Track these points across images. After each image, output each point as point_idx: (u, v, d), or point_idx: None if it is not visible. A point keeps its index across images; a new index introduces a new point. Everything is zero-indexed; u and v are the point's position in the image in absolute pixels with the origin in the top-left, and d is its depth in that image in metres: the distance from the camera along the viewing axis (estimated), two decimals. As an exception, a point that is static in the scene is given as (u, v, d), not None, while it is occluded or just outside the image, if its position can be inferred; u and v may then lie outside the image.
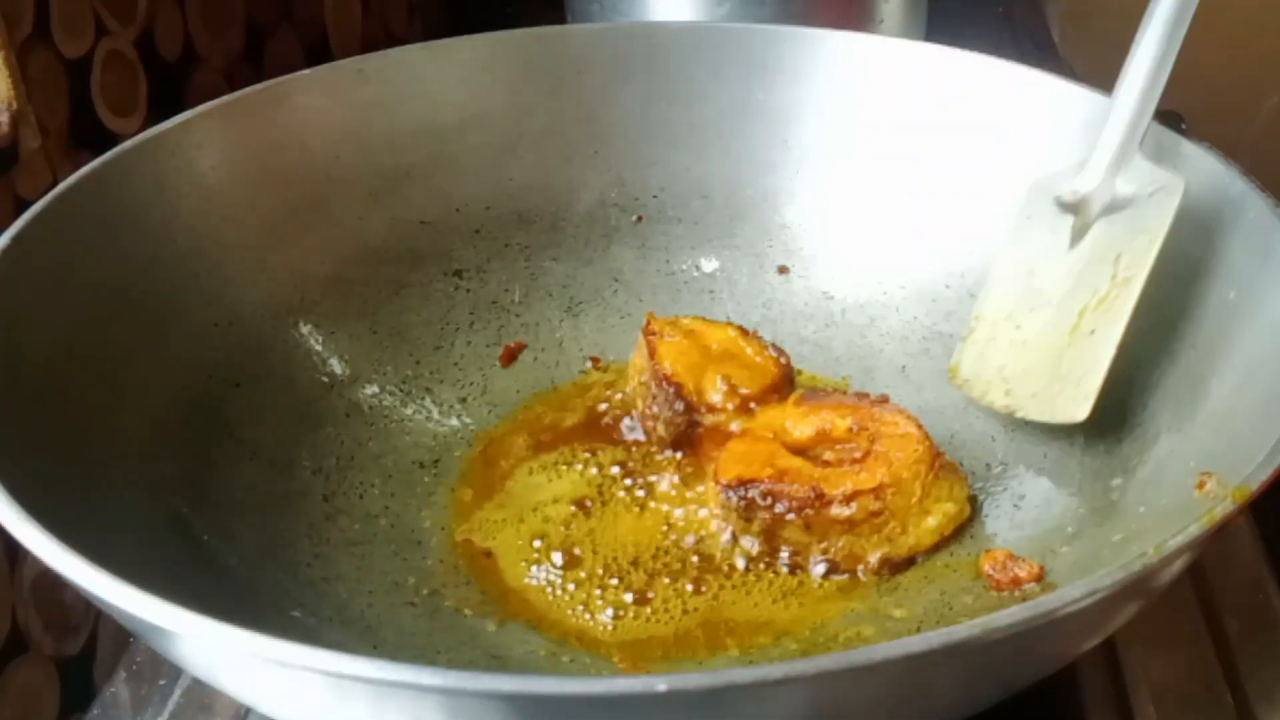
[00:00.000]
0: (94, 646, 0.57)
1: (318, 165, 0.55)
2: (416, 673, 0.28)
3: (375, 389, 0.54)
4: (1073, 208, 0.49)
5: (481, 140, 0.58)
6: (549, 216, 0.59)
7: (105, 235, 0.47)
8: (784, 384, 0.51)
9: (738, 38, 0.58)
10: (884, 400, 0.49)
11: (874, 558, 0.45)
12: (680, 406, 0.50)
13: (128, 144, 0.49)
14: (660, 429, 0.51)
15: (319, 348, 0.54)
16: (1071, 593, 0.30)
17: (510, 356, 0.57)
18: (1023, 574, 0.43)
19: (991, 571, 0.44)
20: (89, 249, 0.46)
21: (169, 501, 0.44)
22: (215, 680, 0.36)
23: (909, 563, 0.46)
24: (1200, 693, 0.44)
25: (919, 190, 0.56)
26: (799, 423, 0.47)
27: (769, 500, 0.45)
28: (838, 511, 0.44)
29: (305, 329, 0.54)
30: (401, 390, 0.55)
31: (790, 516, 0.45)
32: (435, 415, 0.54)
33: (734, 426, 0.49)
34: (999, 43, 0.56)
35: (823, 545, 0.45)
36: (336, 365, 0.54)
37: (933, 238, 0.56)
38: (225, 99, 0.53)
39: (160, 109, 0.61)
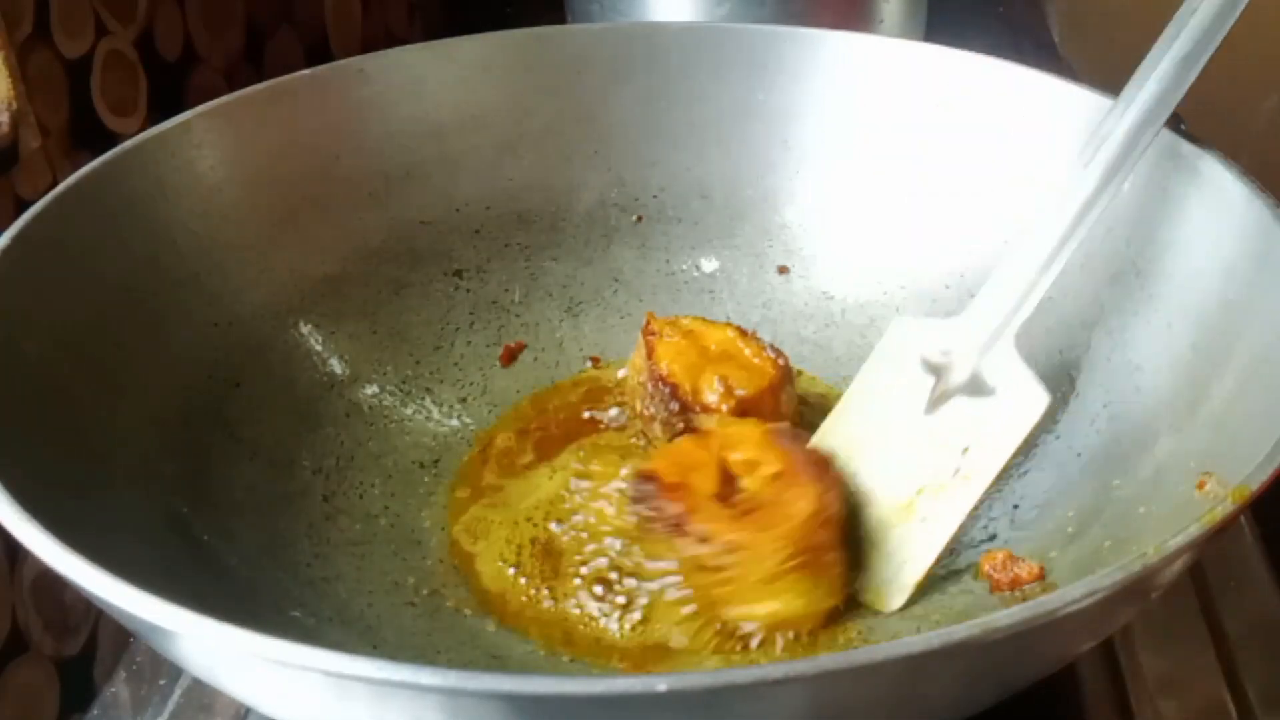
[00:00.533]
0: (94, 646, 0.57)
1: (318, 165, 0.55)
2: (416, 673, 0.28)
3: (375, 389, 0.54)
4: (934, 369, 0.47)
5: (481, 140, 0.58)
6: (549, 216, 0.59)
7: (105, 235, 0.47)
8: (781, 385, 0.50)
9: (738, 38, 0.58)
10: (829, 474, 0.45)
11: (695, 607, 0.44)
12: (675, 407, 0.50)
13: (128, 144, 0.49)
14: (656, 429, 0.51)
15: (319, 348, 0.54)
16: (1071, 593, 0.30)
17: (510, 356, 0.57)
18: (1023, 574, 0.43)
19: (992, 572, 0.44)
20: (89, 249, 0.46)
21: (169, 501, 0.44)
22: (215, 680, 0.36)
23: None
24: (1200, 693, 0.44)
25: (919, 190, 0.56)
26: (744, 450, 0.45)
27: (646, 502, 0.44)
28: (688, 546, 0.43)
29: (305, 329, 0.54)
30: (401, 390, 0.55)
31: (656, 527, 0.44)
32: (435, 415, 0.54)
33: (711, 424, 0.48)
34: (999, 43, 0.56)
35: (670, 569, 0.44)
36: (336, 365, 0.54)
37: (933, 238, 0.56)
38: (225, 99, 0.53)
39: (160, 109, 0.61)
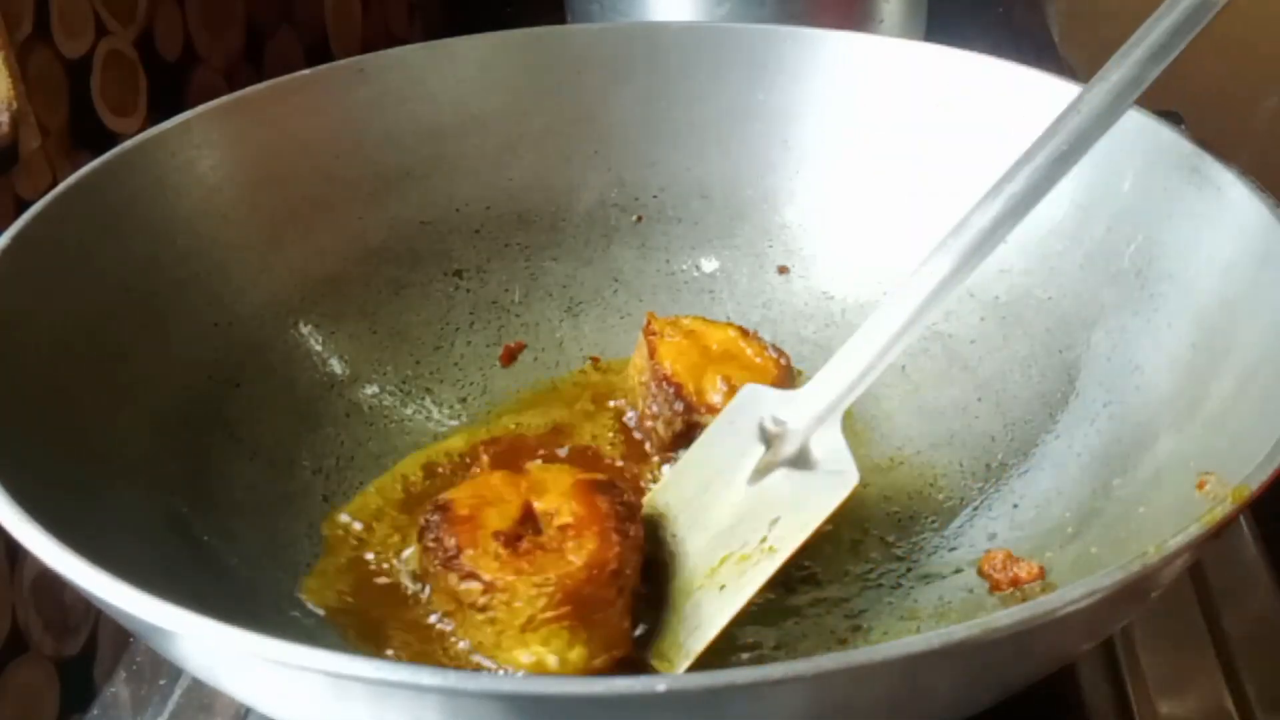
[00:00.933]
0: (94, 646, 0.57)
1: (318, 165, 0.55)
2: (416, 673, 0.28)
3: (375, 389, 0.54)
4: (767, 438, 0.46)
5: (481, 140, 0.58)
6: (549, 216, 0.59)
7: (105, 235, 0.47)
8: (784, 384, 0.50)
9: (738, 38, 0.58)
10: (627, 532, 0.43)
11: (463, 645, 0.42)
12: (680, 407, 0.50)
13: (128, 144, 0.49)
14: (660, 429, 0.51)
15: (319, 348, 0.54)
16: (1071, 593, 0.30)
17: (510, 356, 0.57)
18: (1023, 574, 0.43)
19: (991, 572, 0.44)
20: (89, 249, 0.46)
21: (169, 501, 0.44)
22: (215, 680, 0.36)
23: None
24: (1200, 693, 0.44)
25: (919, 190, 0.56)
26: (549, 496, 0.43)
27: (430, 532, 0.42)
28: (455, 581, 0.41)
29: (305, 329, 0.54)
30: (401, 390, 0.55)
31: (433, 558, 0.42)
32: (435, 415, 0.54)
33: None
34: (999, 43, 0.56)
35: (442, 605, 0.43)
36: (336, 365, 0.54)
37: (932, 238, 0.56)
38: (225, 99, 0.53)
39: (160, 109, 0.61)
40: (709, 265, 0.59)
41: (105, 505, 0.41)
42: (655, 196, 0.60)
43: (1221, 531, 0.33)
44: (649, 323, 0.52)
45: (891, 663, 0.28)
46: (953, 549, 0.47)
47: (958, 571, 0.46)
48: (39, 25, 0.53)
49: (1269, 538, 0.50)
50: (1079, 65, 0.79)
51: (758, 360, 0.51)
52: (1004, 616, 0.29)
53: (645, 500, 0.47)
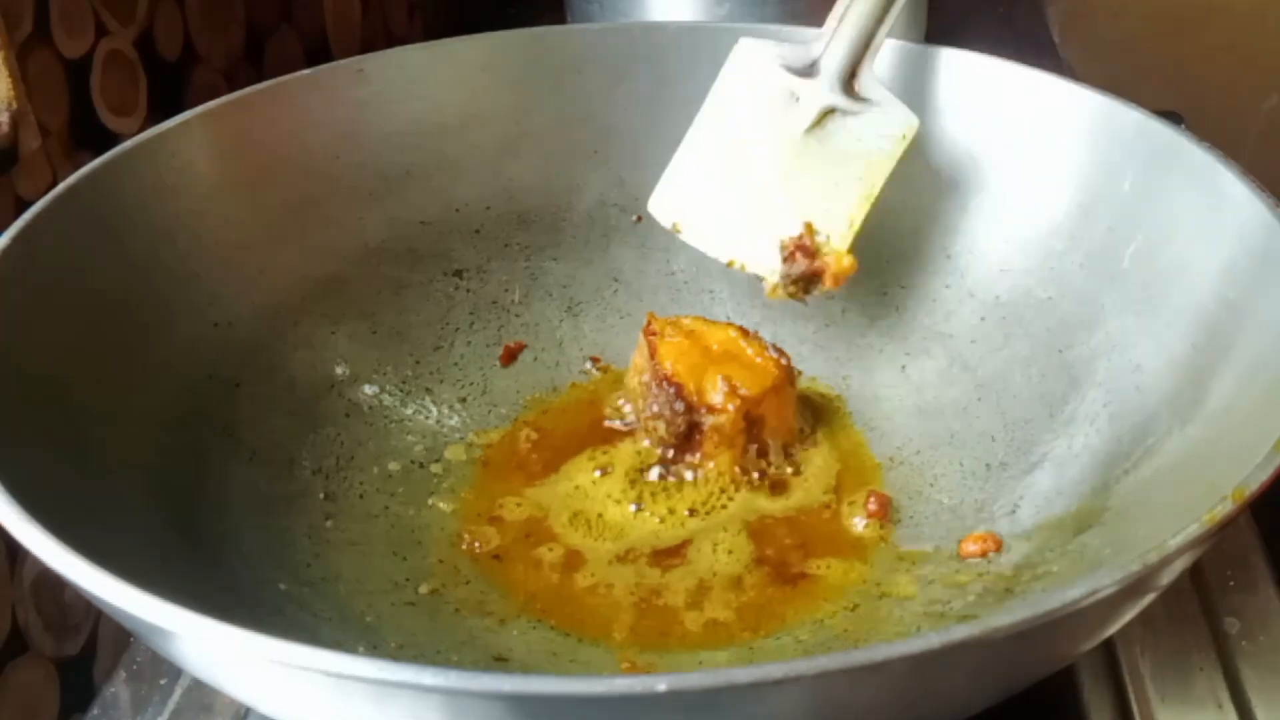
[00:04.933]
0: (94, 646, 0.57)
1: (318, 165, 0.55)
2: (416, 673, 0.28)
3: (375, 389, 0.54)
4: (794, 94, 0.50)
5: (481, 140, 0.58)
6: (549, 216, 0.59)
7: (105, 235, 0.47)
8: (785, 385, 0.51)
9: (738, 38, 0.58)
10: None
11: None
12: (680, 407, 0.50)
13: (128, 144, 0.49)
14: (661, 429, 0.51)
15: (319, 348, 0.54)
16: (1071, 593, 0.30)
17: (510, 356, 0.57)
18: (989, 545, 0.46)
19: (970, 547, 0.46)
20: (89, 249, 0.46)
21: (169, 501, 0.44)
22: (215, 680, 0.36)
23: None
24: (1200, 693, 0.44)
25: (918, 190, 0.56)
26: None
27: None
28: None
29: (305, 329, 0.54)
30: (401, 390, 0.55)
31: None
32: (435, 415, 0.54)
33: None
34: (999, 43, 0.56)
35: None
36: (336, 365, 0.54)
37: (932, 238, 0.56)
38: (225, 99, 0.53)
39: (160, 109, 0.61)
40: (709, 265, 0.59)
41: (105, 505, 0.41)
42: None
43: (1221, 531, 0.33)
44: (649, 323, 0.52)
45: (891, 663, 0.28)
46: (953, 549, 0.47)
47: (958, 572, 0.46)
48: (39, 25, 0.53)
49: (1269, 538, 0.50)
50: (1079, 65, 0.79)
51: (758, 360, 0.51)
52: (1004, 616, 0.29)
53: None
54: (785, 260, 0.49)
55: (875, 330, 0.56)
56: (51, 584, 0.53)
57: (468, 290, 0.58)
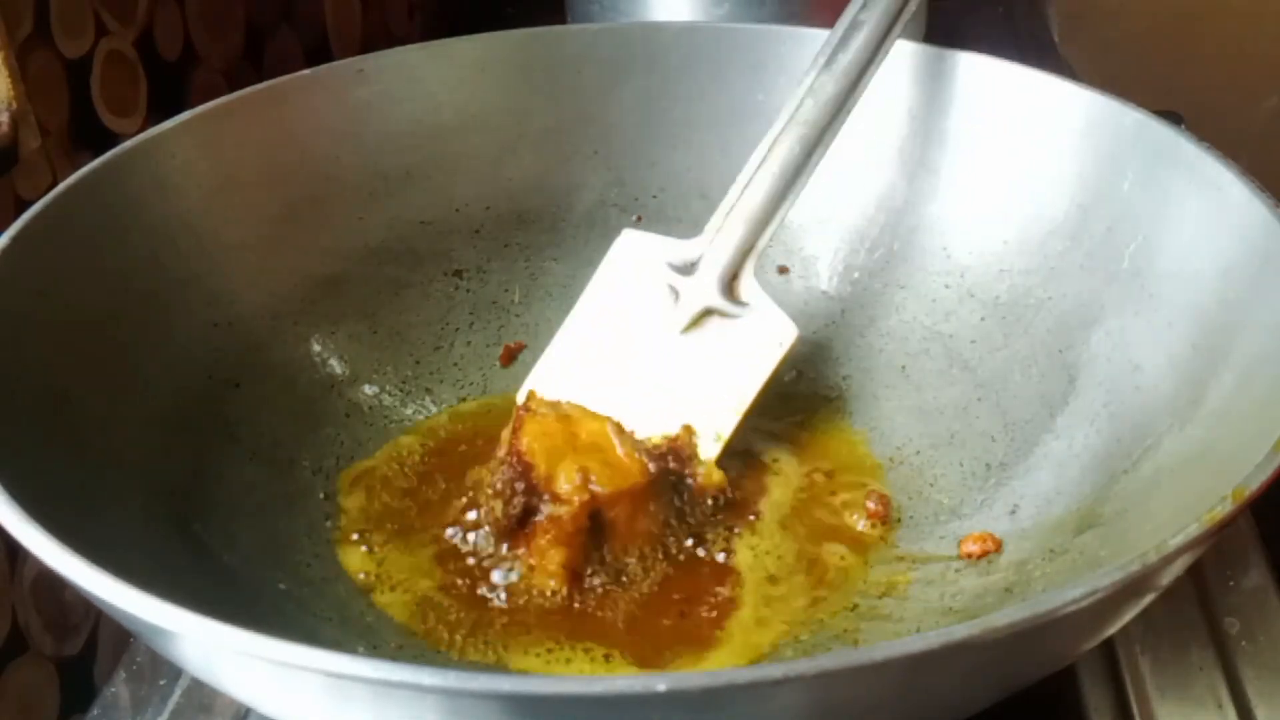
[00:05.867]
0: (94, 646, 0.57)
1: (318, 165, 0.55)
2: (416, 673, 0.28)
3: (375, 389, 0.54)
4: (674, 290, 0.50)
5: (481, 140, 0.58)
6: (549, 216, 0.59)
7: (105, 235, 0.47)
8: (645, 495, 0.46)
9: (738, 38, 0.58)
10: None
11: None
12: (521, 487, 0.45)
13: (128, 144, 0.49)
14: (497, 509, 0.46)
15: (319, 348, 0.54)
16: (1071, 593, 0.30)
17: (510, 356, 0.57)
18: (989, 546, 0.46)
19: (969, 548, 0.46)
20: (89, 249, 0.46)
21: (169, 501, 0.44)
22: (215, 680, 0.36)
23: None
24: (1200, 693, 0.44)
25: (918, 190, 0.56)
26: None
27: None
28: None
29: (305, 329, 0.54)
30: (401, 390, 0.55)
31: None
32: (435, 415, 0.54)
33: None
34: (999, 43, 0.56)
35: None
36: (336, 365, 0.54)
37: (933, 238, 0.56)
38: (225, 99, 0.53)
39: (160, 109, 0.61)
40: (709, 265, 0.59)
41: (105, 505, 0.41)
42: (655, 196, 0.60)
43: (1221, 531, 0.33)
44: (530, 398, 0.50)
45: (891, 663, 0.28)
46: (953, 549, 0.47)
47: (958, 572, 0.46)
48: (39, 25, 0.53)
49: (1269, 538, 0.50)
50: (1079, 65, 0.79)
51: (624, 461, 0.46)
52: (1004, 616, 0.29)
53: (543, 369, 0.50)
54: (654, 460, 0.47)
55: (875, 330, 0.56)
56: (51, 584, 0.53)
57: (468, 290, 0.58)
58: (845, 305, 0.57)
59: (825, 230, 0.58)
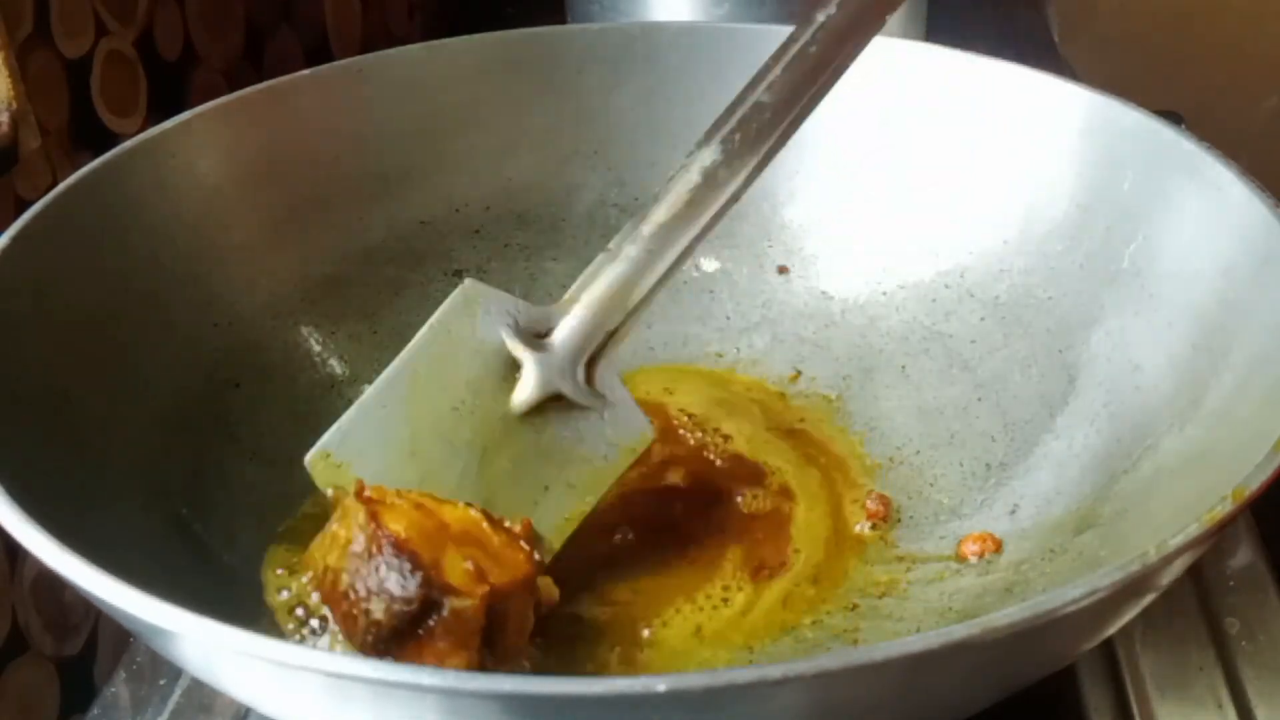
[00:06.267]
0: (94, 646, 0.57)
1: (318, 165, 0.55)
2: (416, 673, 0.28)
3: (375, 389, 0.54)
4: (514, 364, 0.42)
5: (481, 140, 0.58)
6: (549, 217, 0.59)
7: (105, 235, 0.47)
8: (533, 583, 0.41)
9: (737, 38, 0.58)
10: None
11: None
12: (416, 581, 0.37)
13: (128, 144, 0.49)
14: (378, 612, 0.37)
15: (319, 348, 0.54)
16: (1071, 593, 0.30)
17: (510, 356, 0.57)
18: (988, 546, 0.46)
19: (967, 550, 0.46)
20: (89, 249, 0.46)
21: (169, 501, 0.44)
22: (215, 680, 0.36)
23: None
24: (1200, 693, 0.44)
25: (919, 190, 0.56)
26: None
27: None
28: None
29: (305, 329, 0.54)
30: (401, 390, 0.55)
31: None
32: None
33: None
34: (999, 43, 0.56)
35: None
36: (336, 365, 0.54)
37: (932, 238, 0.56)
38: (225, 99, 0.53)
39: (160, 109, 0.61)
40: (709, 265, 0.59)
41: (105, 505, 0.41)
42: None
43: (1221, 531, 0.33)
44: (360, 489, 0.40)
45: (891, 663, 0.28)
46: (953, 549, 0.47)
47: (958, 572, 0.46)
48: (39, 25, 0.53)
49: (1269, 538, 0.50)
50: (1079, 65, 0.79)
51: (506, 550, 0.40)
52: (1004, 616, 0.29)
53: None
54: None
55: (875, 330, 0.56)
56: (51, 584, 0.53)
57: (468, 290, 0.58)
58: (845, 305, 0.57)
59: (825, 230, 0.58)
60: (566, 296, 0.44)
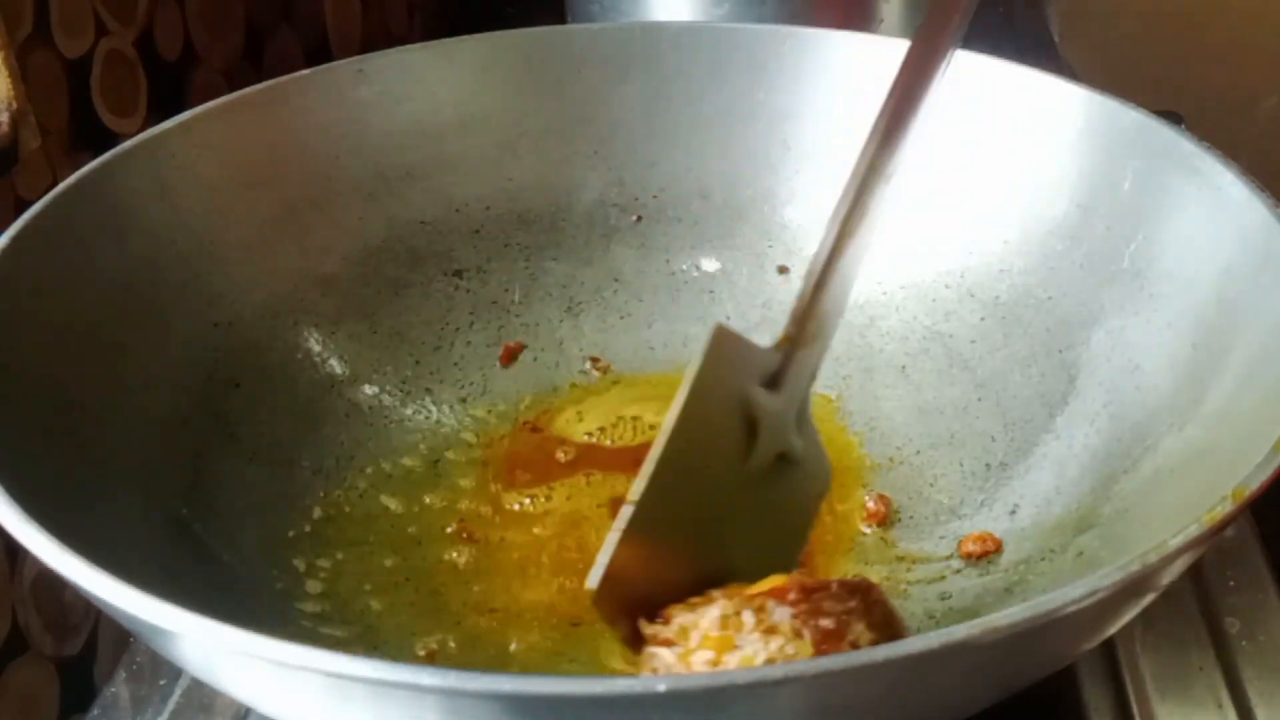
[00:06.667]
0: (94, 646, 0.57)
1: (318, 165, 0.55)
2: (416, 673, 0.28)
3: (375, 389, 0.54)
4: (750, 421, 0.40)
5: (481, 140, 0.58)
6: (549, 216, 0.59)
7: (105, 235, 0.47)
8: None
9: (738, 38, 0.58)
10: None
11: None
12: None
13: (128, 144, 0.49)
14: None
15: (319, 348, 0.54)
16: (1071, 593, 0.30)
17: (510, 356, 0.57)
18: (989, 547, 0.46)
19: (969, 548, 0.46)
20: (89, 249, 0.46)
21: (169, 501, 0.44)
22: (215, 680, 0.36)
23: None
24: (1200, 693, 0.44)
25: (919, 190, 0.56)
26: None
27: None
28: None
29: (305, 329, 0.54)
30: (401, 390, 0.55)
31: None
32: (435, 415, 0.54)
33: None
34: (999, 43, 0.56)
35: None
36: (336, 365, 0.54)
37: (933, 238, 0.56)
38: (225, 99, 0.53)
39: (160, 109, 0.61)
40: (709, 265, 0.59)
41: (105, 505, 0.41)
42: (655, 196, 0.60)
43: (1221, 531, 0.33)
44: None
45: (891, 663, 0.28)
46: (953, 549, 0.47)
47: (958, 572, 0.46)
48: (39, 25, 0.53)
49: (1269, 538, 0.50)
50: (1079, 65, 0.79)
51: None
52: (1004, 616, 0.29)
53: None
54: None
55: (875, 330, 0.56)
56: (51, 584, 0.53)
57: (468, 290, 0.58)
58: (845, 305, 0.57)
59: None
60: (784, 334, 0.41)
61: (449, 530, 0.49)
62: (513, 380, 0.56)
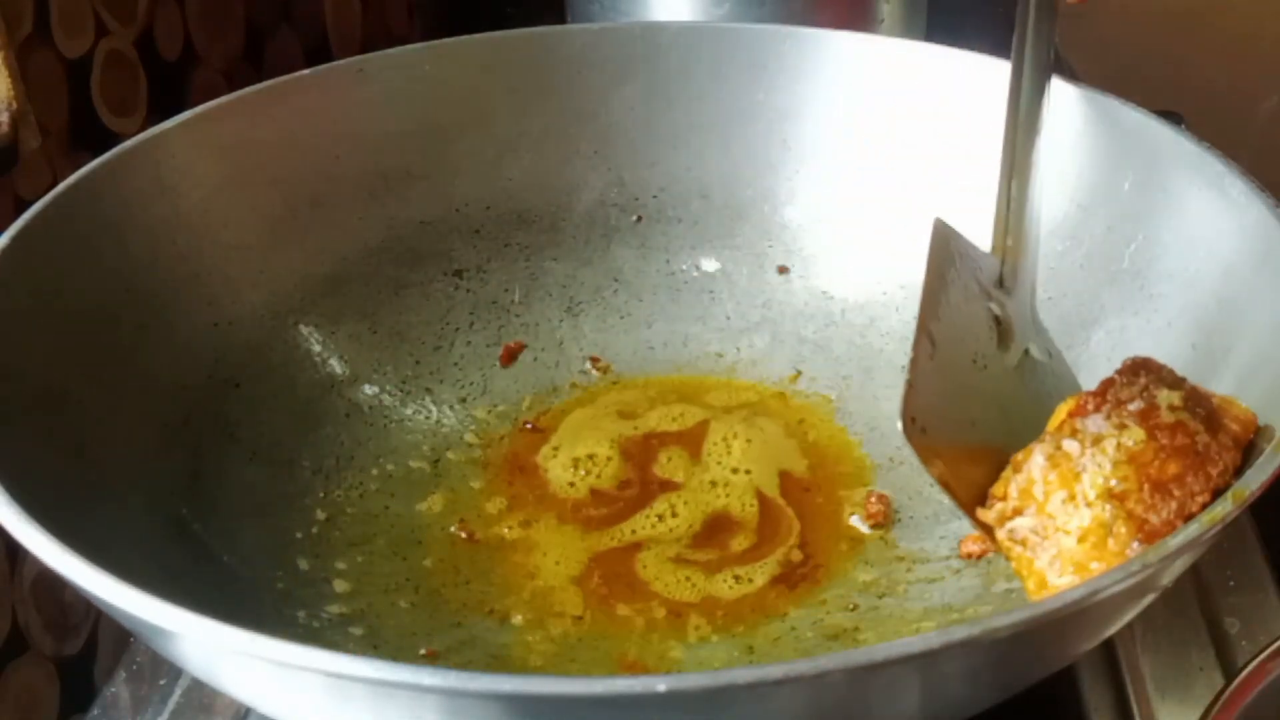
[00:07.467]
0: (94, 646, 0.57)
1: (318, 165, 0.55)
2: (416, 673, 0.28)
3: (375, 389, 0.54)
4: (996, 317, 0.42)
5: (481, 140, 0.58)
6: (549, 216, 0.59)
7: (105, 236, 0.47)
8: None
9: (738, 38, 0.58)
10: None
11: None
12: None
13: (128, 144, 0.49)
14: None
15: (319, 348, 0.54)
16: (1071, 593, 0.30)
17: (510, 356, 0.57)
18: (990, 547, 0.44)
19: (971, 547, 0.46)
20: (89, 249, 0.46)
21: (169, 501, 0.44)
22: (215, 680, 0.36)
23: None
24: (1200, 693, 0.44)
25: (919, 190, 0.56)
26: None
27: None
28: None
29: (305, 329, 0.54)
30: (401, 390, 0.55)
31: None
32: (435, 415, 0.54)
33: None
34: (999, 43, 0.56)
35: None
36: (336, 365, 0.54)
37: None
38: (225, 99, 0.53)
39: (160, 109, 0.61)
40: (709, 265, 0.59)
41: (105, 505, 0.41)
42: (655, 196, 0.60)
43: (1221, 531, 0.33)
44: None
45: (891, 663, 0.28)
46: (953, 549, 0.47)
47: (958, 572, 0.46)
48: (39, 25, 0.53)
49: (1269, 538, 0.50)
50: (1079, 65, 0.79)
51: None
52: (1004, 616, 0.29)
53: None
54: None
55: (875, 330, 0.56)
56: (51, 584, 0.53)
57: (468, 290, 0.58)
58: (845, 305, 0.57)
59: (825, 230, 0.58)
60: (995, 243, 0.44)
61: (450, 530, 0.49)
62: (513, 380, 0.56)
